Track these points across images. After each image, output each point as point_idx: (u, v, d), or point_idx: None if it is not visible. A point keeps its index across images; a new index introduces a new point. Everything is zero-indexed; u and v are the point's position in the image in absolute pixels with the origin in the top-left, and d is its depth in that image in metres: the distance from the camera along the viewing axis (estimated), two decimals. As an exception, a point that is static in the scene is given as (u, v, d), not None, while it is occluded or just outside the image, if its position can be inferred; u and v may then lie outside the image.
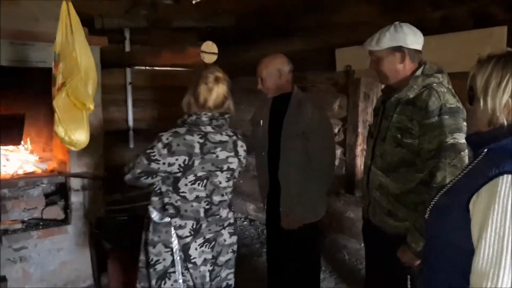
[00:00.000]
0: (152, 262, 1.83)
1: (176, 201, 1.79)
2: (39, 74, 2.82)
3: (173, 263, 1.81)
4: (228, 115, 1.87)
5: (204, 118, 1.79)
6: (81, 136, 1.95)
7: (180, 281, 1.82)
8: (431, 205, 1.20)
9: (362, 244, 3.28)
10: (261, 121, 2.49)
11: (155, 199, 1.85)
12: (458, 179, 1.16)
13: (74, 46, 1.85)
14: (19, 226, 2.88)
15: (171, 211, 1.80)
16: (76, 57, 1.84)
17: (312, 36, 3.39)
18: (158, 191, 1.82)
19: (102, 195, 3.13)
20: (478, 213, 0.98)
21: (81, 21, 2.04)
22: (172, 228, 1.80)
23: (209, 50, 2.80)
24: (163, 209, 1.82)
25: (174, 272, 1.81)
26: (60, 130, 1.90)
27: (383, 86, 2.04)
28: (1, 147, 3.30)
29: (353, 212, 3.48)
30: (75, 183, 3.14)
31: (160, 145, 1.73)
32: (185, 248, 1.81)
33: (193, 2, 4.37)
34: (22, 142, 3.42)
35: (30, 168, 3.29)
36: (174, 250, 1.80)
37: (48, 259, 3.06)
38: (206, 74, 1.84)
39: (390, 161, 1.79)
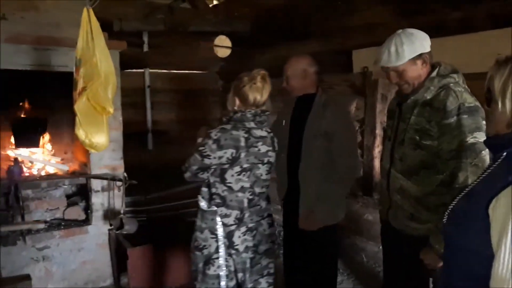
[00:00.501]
0: (200, 247, 2.00)
1: (222, 191, 1.95)
2: (61, 78, 2.91)
3: (217, 249, 1.97)
4: (268, 112, 2.04)
5: (249, 115, 1.97)
6: (101, 139, 2.00)
7: (224, 266, 1.97)
8: (450, 209, 1.18)
9: (380, 247, 3.27)
10: (284, 121, 2.50)
11: (204, 189, 2.02)
12: (477, 183, 1.14)
13: (94, 51, 1.90)
14: (42, 226, 2.95)
15: (218, 200, 1.97)
16: (97, 62, 1.89)
17: (328, 38, 3.39)
18: (207, 182, 1.99)
19: (122, 196, 3.19)
20: (497, 218, 0.96)
21: (100, 25, 2.09)
22: (218, 216, 1.96)
23: (223, 44, 2.80)
24: (210, 199, 1.99)
25: (217, 258, 1.97)
26: (81, 133, 1.96)
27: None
28: (25, 149, 3.40)
29: (371, 214, 3.45)
30: (95, 184, 3.21)
31: (210, 141, 1.89)
32: (229, 236, 1.96)
33: (210, 6, 4.42)
34: (44, 144, 3.51)
35: (52, 170, 3.38)
36: (218, 237, 1.96)
37: (70, 258, 3.13)
38: (254, 74, 2.00)
39: (410, 164, 1.78)
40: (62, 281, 3.10)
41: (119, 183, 3.16)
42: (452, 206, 1.18)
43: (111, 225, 3.17)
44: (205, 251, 1.99)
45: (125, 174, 3.16)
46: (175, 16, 4.02)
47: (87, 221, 3.24)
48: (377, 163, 3.45)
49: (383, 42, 2.90)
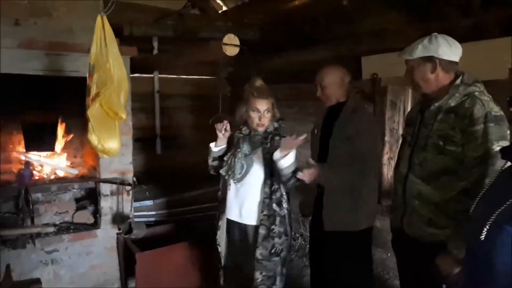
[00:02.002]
0: (278, 252, 2.24)
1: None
2: (71, 82, 2.94)
3: (289, 251, 2.36)
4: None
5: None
6: (113, 144, 2.02)
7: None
8: (490, 224, 1.13)
9: (389, 254, 3.24)
10: (315, 130, 2.52)
11: (285, 195, 2.31)
12: None
13: (107, 58, 1.92)
14: (51, 229, 2.97)
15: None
16: (110, 68, 1.91)
17: (337, 44, 3.38)
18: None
19: (131, 200, 3.20)
20: None
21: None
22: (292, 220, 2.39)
23: (231, 42, 2.81)
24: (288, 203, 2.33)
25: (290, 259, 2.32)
26: (93, 138, 1.98)
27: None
28: (36, 152, 3.44)
29: (379, 221, 3.41)
30: (104, 188, 3.23)
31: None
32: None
33: (219, 12, 4.47)
34: (55, 148, 3.54)
35: (61, 173, 3.41)
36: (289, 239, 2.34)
37: (78, 262, 3.15)
38: (252, 82, 2.26)
39: (431, 169, 1.79)
40: (70, 285, 3.12)
41: (128, 187, 3.18)
42: (491, 222, 1.12)
43: (119, 229, 3.19)
44: (283, 254, 2.24)
45: (134, 179, 3.18)
46: (185, 23, 4.06)
47: (95, 225, 3.26)
48: (386, 170, 3.44)
49: (393, 49, 2.92)
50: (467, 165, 1.68)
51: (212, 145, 2.42)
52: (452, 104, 1.74)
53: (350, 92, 2.43)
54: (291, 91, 4.04)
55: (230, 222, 2.37)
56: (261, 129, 2.29)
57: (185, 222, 3.61)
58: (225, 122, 2.33)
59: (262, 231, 2.22)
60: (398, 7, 2.93)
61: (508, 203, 1.13)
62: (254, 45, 4.25)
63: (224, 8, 4.52)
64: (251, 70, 4.01)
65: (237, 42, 2.81)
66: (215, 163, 2.43)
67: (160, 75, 4.48)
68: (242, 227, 2.33)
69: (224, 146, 2.41)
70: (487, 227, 1.14)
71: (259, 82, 2.34)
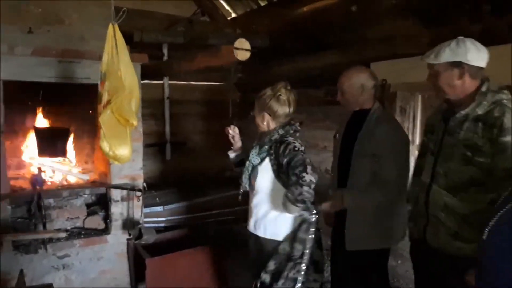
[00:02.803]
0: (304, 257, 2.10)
1: None
2: (83, 90, 2.99)
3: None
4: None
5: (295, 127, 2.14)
6: (124, 151, 2.04)
7: None
8: (492, 224, 1.14)
9: (399, 262, 3.21)
10: (337, 135, 2.41)
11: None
12: None
13: (119, 65, 1.95)
14: (63, 235, 3.00)
15: None
16: (121, 76, 1.94)
17: (347, 50, 3.37)
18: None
19: (141, 206, 3.22)
20: None
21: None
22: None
23: (242, 47, 2.82)
24: None
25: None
26: (105, 145, 2.00)
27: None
28: (48, 158, 3.48)
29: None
30: (115, 194, 3.25)
31: (307, 160, 1.99)
32: None
33: (228, 18, 4.50)
34: (66, 154, 3.59)
35: (72, 179, 3.44)
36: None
37: (89, 267, 3.17)
38: (277, 86, 2.14)
39: (457, 180, 1.71)
40: (81, 290, 3.14)
41: (138, 193, 3.20)
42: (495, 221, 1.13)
43: (129, 234, 3.20)
44: (305, 260, 2.03)
45: (145, 184, 3.20)
46: (194, 29, 4.09)
47: (106, 230, 3.28)
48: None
49: (402, 55, 2.90)
50: (497, 177, 1.60)
51: (229, 152, 2.41)
52: (480, 112, 1.67)
53: (375, 98, 2.27)
54: (299, 96, 4.04)
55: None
56: (261, 130, 2.21)
57: (196, 228, 3.62)
58: (232, 126, 2.31)
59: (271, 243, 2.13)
60: (408, 13, 2.92)
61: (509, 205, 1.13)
62: (263, 51, 4.27)
63: (233, 15, 4.55)
64: (260, 75, 4.03)
65: (248, 46, 2.82)
66: (238, 169, 2.36)
67: (170, 82, 4.52)
68: (254, 237, 2.24)
69: (240, 152, 2.38)
70: (489, 227, 1.15)
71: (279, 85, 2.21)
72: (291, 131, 2.13)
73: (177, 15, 4.25)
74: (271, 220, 2.13)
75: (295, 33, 3.94)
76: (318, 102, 3.82)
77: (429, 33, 2.74)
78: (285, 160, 2.00)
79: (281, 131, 2.12)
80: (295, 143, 2.05)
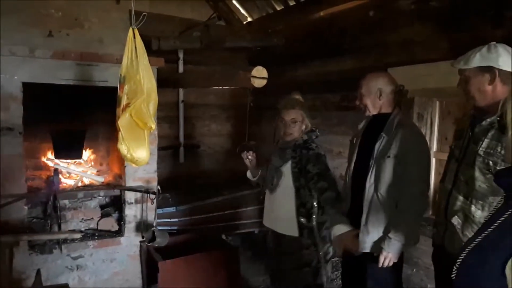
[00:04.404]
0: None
1: None
2: (99, 92, 3.01)
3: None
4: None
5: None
6: (142, 154, 2.05)
7: None
8: (459, 262, 1.06)
9: (414, 270, 3.16)
10: (354, 139, 2.37)
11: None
12: (490, 232, 1.04)
13: (138, 69, 1.96)
14: (78, 236, 3.02)
15: None
16: (140, 80, 1.95)
17: (364, 55, 3.35)
18: None
19: (155, 208, 3.23)
20: None
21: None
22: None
23: (260, 75, 2.89)
24: None
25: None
26: (123, 148, 2.01)
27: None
28: (64, 160, 3.52)
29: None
30: (129, 196, 3.28)
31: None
32: None
33: (244, 23, 4.50)
34: (82, 156, 3.62)
35: (87, 181, 3.47)
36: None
37: (102, 268, 3.19)
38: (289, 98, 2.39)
39: (478, 189, 1.69)
40: (94, 291, 3.16)
41: (152, 196, 3.21)
42: (461, 259, 1.05)
43: (143, 237, 3.21)
44: (313, 264, 2.36)
45: (159, 187, 3.21)
46: (210, 33, 4.10)
47: (119, 232, 3.31)
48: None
49: (421, 60, 2.86)
50: None
51: (248, 175, 2.64)
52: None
53: (395, 103, 2.23)
54: (315, 102, 4.03)
55: (267, 229, 2.55)
56: (288, 139, 2.37)
57: (208, 230, 3.62)
58: (250, 152, 2.50)
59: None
60: (426, 18, 2.89)
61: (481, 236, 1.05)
62: (278, 56, 4.27)
63: (249, 19, 4.55)
64: (274, 80, 4.03)
65: (265, 74, 2.87)
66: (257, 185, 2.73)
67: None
68: (275, 234, 2.48)
69: (259, 173, 2.61)
70: (457, 265, 1.07)
71: (293, 94, 2.40)
72: (314, 137, 2.39)
73: (194, 19, 4.27)
74: (290, 218, 2.34)
75: (311, 38, 3.93)
76: (334, 107, 3.80)
77: (447, 38, 2.71)
78: (316, 169, 2.29)
79: (305, 137, 2.37)
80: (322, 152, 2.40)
